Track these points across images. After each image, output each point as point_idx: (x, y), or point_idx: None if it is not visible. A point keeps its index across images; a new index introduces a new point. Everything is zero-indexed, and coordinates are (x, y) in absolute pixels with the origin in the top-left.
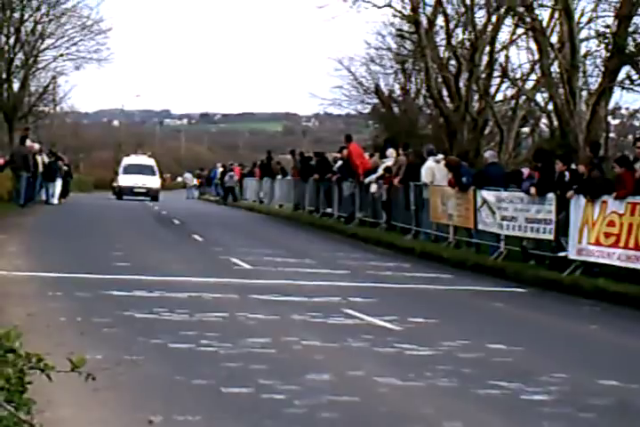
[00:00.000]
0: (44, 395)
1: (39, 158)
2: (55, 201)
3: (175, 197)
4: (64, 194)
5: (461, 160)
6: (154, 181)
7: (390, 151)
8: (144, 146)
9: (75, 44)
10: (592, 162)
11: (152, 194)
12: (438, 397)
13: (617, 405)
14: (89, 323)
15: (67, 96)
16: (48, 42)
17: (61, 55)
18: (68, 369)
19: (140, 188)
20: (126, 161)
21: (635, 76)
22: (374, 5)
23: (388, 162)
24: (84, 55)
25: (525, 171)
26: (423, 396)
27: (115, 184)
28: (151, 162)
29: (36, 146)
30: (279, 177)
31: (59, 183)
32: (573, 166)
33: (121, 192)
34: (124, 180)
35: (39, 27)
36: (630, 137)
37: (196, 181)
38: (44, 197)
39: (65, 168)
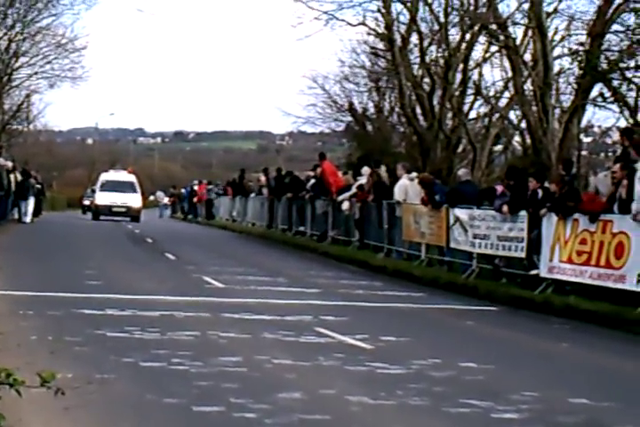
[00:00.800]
0: (15, 413)
1: (12, 176)
2: (28, 219)
3: (148, 215)
4: (37, 212)
5: (435, 178)
6: (134, 200)
7: (365, 169)
8: (117, 164)
9: (49, 62)
10: (563, 179)
11: (132, 214)
12: (410, 415)
13: (587, 423)
14: (60, 342)
15: (40, 114)
16: (22, 60)
17: (35, 73)
18: (38, 385)
19: (119, 206)
20: (104, 177)
21: (607, 94)
22: (348, 24)
23: (362, 180)
24: (58, 73)
25: (499, 188)
26: (395, 414)
27: (85, 202)
28: (132, 178)
29: (9, 164)
30: (252, 195)
31: (31, 202)
32: (546, 184)
33: (97, 212)
34: (102, 198)
35: (13, 45)
36: (602, 155)
37: (167, 200)
38: (16, 215)
39: (38, 186)
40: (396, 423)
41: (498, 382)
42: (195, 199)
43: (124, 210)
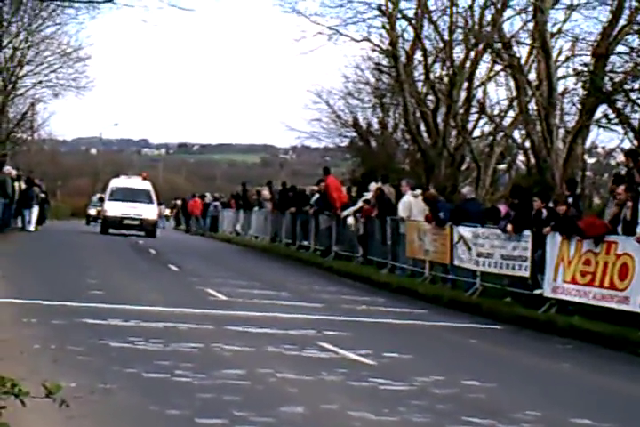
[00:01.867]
0: (18, 422)
1: (16, 185)
2: (31, 228)
3: None
4: (40, 221)
5: (439, 195)
6: (150, 211)
7: (372, 185)
8: (129, 172)
9: (54, 71)
10: (567, 200)
11: (147, 227)
12: None
13: None
14: (63, 351)
15: (45, 123)
16: (27, 68)
17: (40, 82)
18: (42, 395)
19: (131, 218)
20: (115, 184)
21: (611, 115)
22: (352, 39)
23: (368, 195)
24: (62, 82)
25: (502, 208)
26: None
27: (91, 211)
28: (147, 186)
29: (14, 172)
30: (256, 209)
31: (35, 210)
32: (550, 204)
33: (106, 224)
34: (112, 208)
35: (18, 53)
36: (606, 176)
37: (168, 211)
38: (19, 223)
39: (41, 195)
40: None
41: (500, 400)
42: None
43: (137, 222)
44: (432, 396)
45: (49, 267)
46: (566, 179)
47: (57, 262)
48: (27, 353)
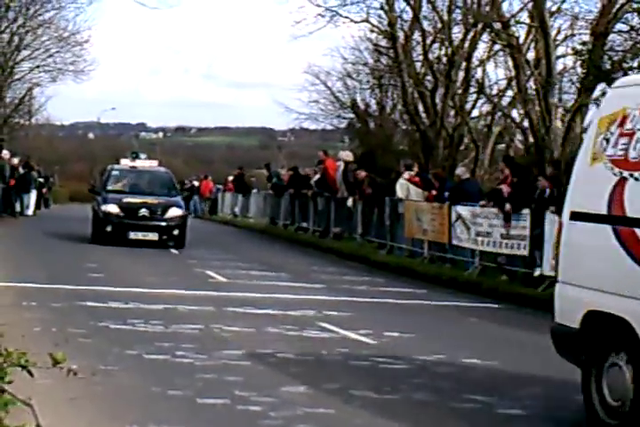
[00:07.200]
0: (20, 404)
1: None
2: (30, 212)
3: None
4: (38, 205)
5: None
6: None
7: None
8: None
9: (51, 55)
10: (557, 178)
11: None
12: (414, 410)
13: None
14: (64, 333)
15: (42, 108)
16: (24, 53)
17: (38, 67)
18: (49, 366)
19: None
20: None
21: None
22: (351, 20)
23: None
24: (60, 67)
25: (505, 188)
26: (398, 409)
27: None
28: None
29: (15, 160)
30: (254, 191)
31: (33, 195)
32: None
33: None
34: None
35: (16, 38)
36: None
37: None
38: (18, 208)
39: (40, 180)
40: (401, 418)
41: (501, 378)
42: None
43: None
44: (433, 374)
45: (48, 251)
46: (551, 160)
47: (55, 246)
48: (28, 336)
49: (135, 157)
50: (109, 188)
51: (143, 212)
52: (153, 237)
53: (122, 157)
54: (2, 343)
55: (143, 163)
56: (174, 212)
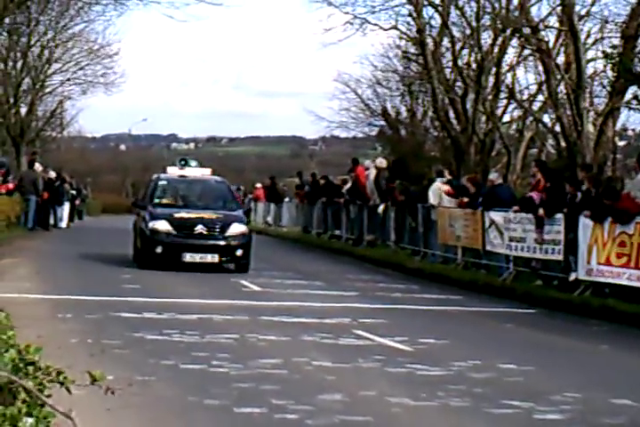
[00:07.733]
0: (58, 416)
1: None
2: (63, 225)
3: None
4: (72, 217)
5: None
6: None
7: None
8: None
9: (81, 68)
10: (597, 180)
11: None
12: (451, 416)
13: (630, 424)
14: (99, 344)
15: (73, 120)
16: (55, 66)
17: (68, 80)
18: (87, 384)
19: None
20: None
21: None
22: (380, 28)
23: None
24: (90, 79)
25: (535, 195)
26: (436, 415)
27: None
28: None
29: (53, 173)
30: (287, 200)
31: (66, 207)
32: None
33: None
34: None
35: (46, 51)
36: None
37: None
38: (52, 221)
39: (72, 192)
40: (438, 424)
41: (539, 383)
42: None
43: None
44: (470, 380)
45: (82, 263)
46: (582, 164)
47: (90, 258)
48: (64, 348)
49: (184, 164)
50: (157, 201)
51: (200, 229)
52: (212, 259)
53: (167, 166)
54: (40, 356)
55: (194, 171)
56: (236, 228)
